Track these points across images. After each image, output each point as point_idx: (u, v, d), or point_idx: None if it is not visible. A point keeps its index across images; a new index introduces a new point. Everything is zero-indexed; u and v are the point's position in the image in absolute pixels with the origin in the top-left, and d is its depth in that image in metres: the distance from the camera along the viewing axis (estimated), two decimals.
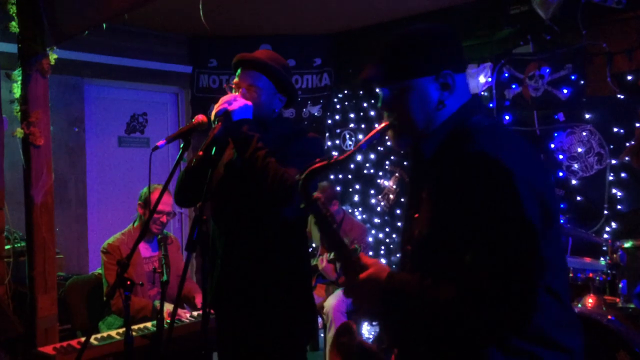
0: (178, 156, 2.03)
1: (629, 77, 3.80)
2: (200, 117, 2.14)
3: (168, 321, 2.95)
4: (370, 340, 4.92)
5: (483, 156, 1.25)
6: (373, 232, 5.41)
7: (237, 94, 2.16)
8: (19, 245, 3.85)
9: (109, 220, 5.05)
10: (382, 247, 5.49)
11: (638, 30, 3.75)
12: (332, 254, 4.10)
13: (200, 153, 2.02)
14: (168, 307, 3.04)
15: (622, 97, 3.83)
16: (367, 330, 4.98)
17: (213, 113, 2.10)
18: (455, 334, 1.26)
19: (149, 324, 2.99)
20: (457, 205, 1.26)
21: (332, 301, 4.00)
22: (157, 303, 3.19)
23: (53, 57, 3.14)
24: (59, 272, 3.72)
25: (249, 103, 2.11)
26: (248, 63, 2.19)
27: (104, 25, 2.95)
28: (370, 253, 4.47)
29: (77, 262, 4.82)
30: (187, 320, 3.10)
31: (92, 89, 5.20)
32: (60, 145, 4.77)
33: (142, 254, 3.43)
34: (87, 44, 4.65)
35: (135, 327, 2.94)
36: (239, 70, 2.21)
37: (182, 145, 2.07)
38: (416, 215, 1.41)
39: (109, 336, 2.80)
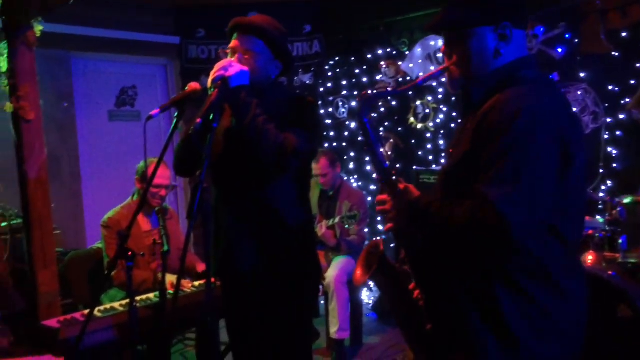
0: (172, 126, 1.99)
1: (623, 34, 3.77)
2: (194, 85, 2.10)
3: (170, 292, 2.97)
4: (371, 305, 4.98)
5: (518, 100, 1.38)
6: (369, 199, 5.41)
7: (232, 59, 2.11)
8: (15, 222, 3.83)
9: (104, 195, 5.01)
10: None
11: None
12: (332, 221, 4.10)
13: (198, 120, 1.98)
14: (170, 278, 3.04)
15: (616, 54, 3.81)
16: (367, 296, 5.04)
17: (209, 80, 2.05)
18: (462, 252, 1.44)
19: (151, 295, 2.99)
20: (484, 138, 1.40)
21: (334, 272, 3.98)
22: (159, 275, 3.19)
23: (38, 28, 3.07)
24: (57, 248, 3.71)
25: (246, 69, 2.06)
26: (245, 27, 2.13)
27: None
28: (368, 220, 4.49)
29: (75, 238, 4.80)
30: (190, 290, 3.11)
31: (79, 63, 5.10)
32: (50, 121, 4.68)
33: (142, 227, 3.41)
34: (73, 16, 4.53)
35: (138, 298, 2.94)
36: (234, 35, 2.16)
37: (176, 115, 2.03)
38: (450, 150, 1.59)
39: (112, 308, 2.80)
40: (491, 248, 1.37)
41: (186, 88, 2.11)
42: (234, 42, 2.15)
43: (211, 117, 2.02)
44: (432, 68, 4.79)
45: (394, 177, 1.61)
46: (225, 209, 2.21)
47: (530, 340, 1.39)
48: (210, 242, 2.08)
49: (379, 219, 5.49)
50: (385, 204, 1.62)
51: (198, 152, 2.05)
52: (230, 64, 2.04)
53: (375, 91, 1.67)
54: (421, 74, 4.93)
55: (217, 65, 2.05)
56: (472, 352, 1.44)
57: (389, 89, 1.75)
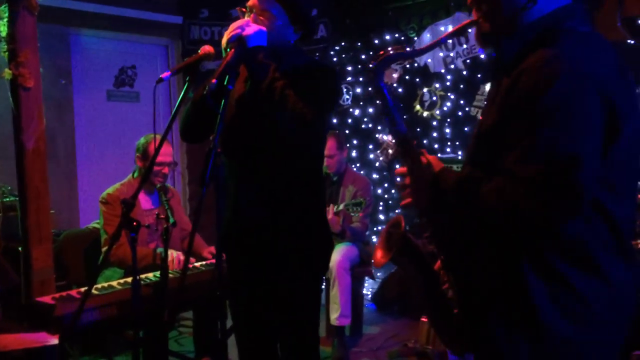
0: (183, 91, 1.87)
1: None
2: (207, 48, 1.97)
3: (171, 271, 2.85)
4: (370, 295, 4.88)
5: (557, 60, 1.21)
6: (371, 188, 5.31)
7: (249, 18, 1.99)
8: (8, 199, 3.70)
9: (100, 176, 4.88)
10: (381, 203, 5.41)
11: None
12: (336, 207, 4.00)
13: (214, 81, 1.86)
14: (172, 253, 2.93)
15: (632, 42, 3.73)
16: (366, 287, 4.94)
17: (224, 40, 1.93)
18: (491, 226, 1.29)
19: (150, 275, 2.87)
20: (514, 106, 1.25)
21: (336, 257, 3.87)
22: (159, 250, 3.07)
23: None
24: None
25: (264, 28, 1.95)
26: None
27: None
28: (371, 208, 4.38)
29: (68, 218, 4.66)
30: (191, 272, 2.98)
31: (78, 40, 4.95)
32: (47, 97, 4.49)
33: (142, 205, 3.28)
34: None
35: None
36: None
37: (187, 79, 1.92)
38: (481, 118, 1.44)
39: (110, 286, 2.68)
40: (520, 234, 1.25)
41: (199, 51, 1.99)
42: (252, 0, 2.03)
43: (226, 80, 1.91)
44: (441, 54, 4.69)
45: (414, 147, 1.48)
46: (233, 179, 2.09)
47: (561, 328, 1.26)
48: (222, 210, 1.96)
49: (380, 208, 5.38)
50: (404, 178, 1.49)
51: (210, 116, 1.94)
52: (247, 23, 1.92)
53: (393, 52, 1.46)
54: (429, 60, 4.82)
55: (233, 25, 1.93)
56: (497, 340, 1.32)
57: (408, 49, 1.57)
